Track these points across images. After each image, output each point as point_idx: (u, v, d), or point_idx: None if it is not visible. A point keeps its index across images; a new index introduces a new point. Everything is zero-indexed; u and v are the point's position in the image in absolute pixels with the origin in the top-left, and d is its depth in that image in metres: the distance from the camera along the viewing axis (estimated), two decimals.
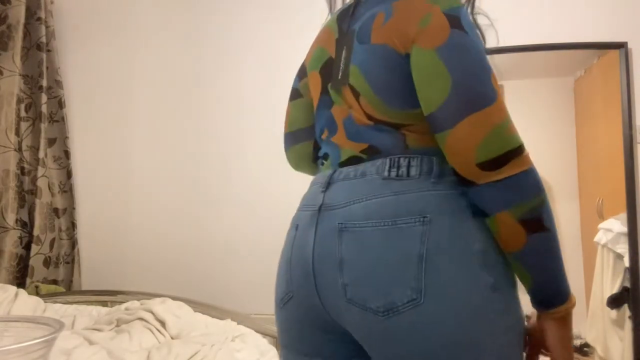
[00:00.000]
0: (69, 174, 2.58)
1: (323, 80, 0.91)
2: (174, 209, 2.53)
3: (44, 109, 2.48)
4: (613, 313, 2.12)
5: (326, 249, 0.79)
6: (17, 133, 2.47)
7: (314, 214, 0.83)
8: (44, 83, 2.49)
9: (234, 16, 2.53)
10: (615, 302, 2.11)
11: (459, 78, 0.73)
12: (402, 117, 0.80)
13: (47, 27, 2.53)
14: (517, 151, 0.72)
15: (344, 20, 0.90)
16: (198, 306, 2.00)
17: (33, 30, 2.53)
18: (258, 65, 2.49)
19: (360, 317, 0.74)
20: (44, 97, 2.49)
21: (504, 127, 0.72)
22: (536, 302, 0.78)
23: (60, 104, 2.57)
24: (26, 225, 2.46)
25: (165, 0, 2.62)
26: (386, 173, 0.78)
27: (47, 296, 2.23)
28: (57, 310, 2.02)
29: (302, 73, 1.05)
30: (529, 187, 0.73)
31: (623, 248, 2.09)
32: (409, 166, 0.77)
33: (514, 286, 0.77)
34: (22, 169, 2.48)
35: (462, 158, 0.73)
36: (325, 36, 0.94)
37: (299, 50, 2.57)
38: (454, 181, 0.76)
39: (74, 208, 2.58)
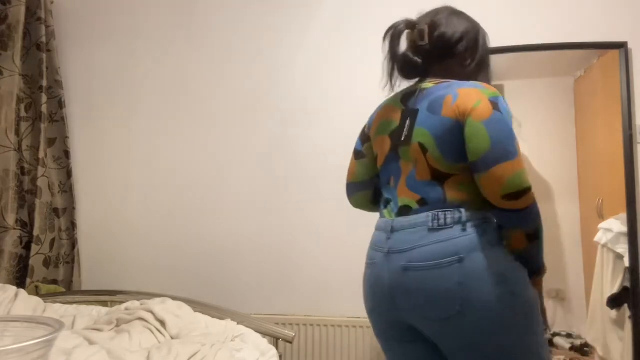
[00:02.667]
0: (69, 174, 2.58)
1: (392, 142, 1.30)
2: (173, 209, 2.53)
3: (44, 109, 2.48)
4: (613, 313, 2.12)
5: (397, 281, 1.18)
6: (17, 133, 2.47)
7: (386, 255, 1.22)
8: (44, 83, 2.49)
9: (234, 16, 2.53)
10: (615, 302, 2.11)
11: (495, 140, 1.13)
12: (452, 169, 1.19)
13: (47, 27, 2.53)
14: (528, 190, 1.11)
15: (408, 100, 1.30)
16: (198, 306, 2.00)
17: (33, 30, 2.53)
18: (258, 65, 2.49)
19: (426, 323, 1.17)
20: (44, 97, 2.49)
21: (521, 174, 1.11)
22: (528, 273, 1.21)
23: (60, 104, 2.57)
24: (26, 225, 2.46)
25: (165, 0, 2.62)
26: (430, 224, 1.16)
27: (47, 296, 2.23)
28: (57, 310, 2.02)
29: (365, 139, 1.43)
30: (534, 215, 1.14)
31: (623, 248, 2.09)
32: (445, 218, 1.16)
33: (524, 287, 1.15)
34: (22, 169, 2.48)
35: (493, 191, 1.13)
36: (390, 111, 1.35)
37: (300, 50, 2.60)
38: (476, 224, 1.15)
39: (74, 208, 2.58)
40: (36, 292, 2.30)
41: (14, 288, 1.99)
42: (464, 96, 1.18)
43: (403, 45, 1.37)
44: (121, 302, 2.04)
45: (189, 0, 2.59)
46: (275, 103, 2.47)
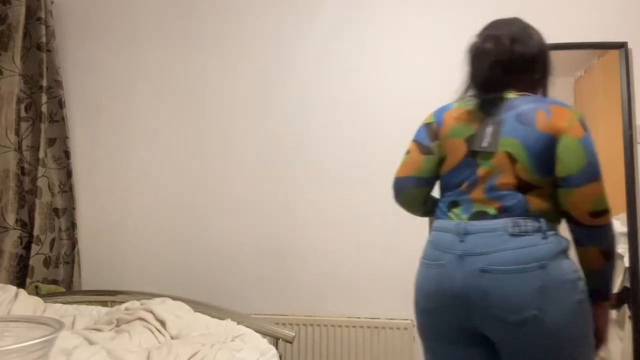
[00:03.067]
0: (69, 174, 2.58)
1: (468, 147, 1.31)
2: (174, 209, 2.53)
3: (44, 109, 2.48)
4: (613, 313, 2.12)
5: (473, 283, 1.20)
6: (17, 133, 2.47)
7: (459, 257, 1.23)
8: (44, 83, 2.49)
9: (235, 16, 2.53)
10: (615, 302, 2.11)
11: (590, 159, 1.21)
12: (538, 181, 1.24)
13: (47, 27, 2.53)
14: (608, 210, 1.22)
15: (489, 108, 1.32)
16: (198, 306, 2.00)
17: (33, 30, 2.53)
18: (259, 65, 2.49)
19: (499, 326, 1.19)
20: (44, 97, 2.49)
21: (605, 195, 1.21)
22: (596, 296, 1.25)
23: (60, 104, 2.57)
24: (26, 225, 2.46)
25: (165, 0, 2.62)
26: (511, 230, 1.20)
27: (47, 296, 2.23)
28: (57, 310, 2.02)
29: (434, 137, 1.41)
30: (611, 233, 1.23)
31: (623, 248, 2.09)
32: (526, 225, 1.20)
33: (587, 299, 1.21)
34: (22, 169, 2.48)
35: (580, 207, 1.21)
36: (466, 116, 1.35)
37: (300, 50, 2.60)
38: (553, 234, 1.21)
39: (74, 208, 2.58)
40: (36, 292, 2.30)
41: (14, 288, 1.99)
42: (558, 113, 1.24)
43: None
44: (121, 302, 2.04)
45: (189, 0, 2.59)
46: (275, 103, 2.47)
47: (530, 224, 1.20)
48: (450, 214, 1.32)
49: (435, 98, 2.30)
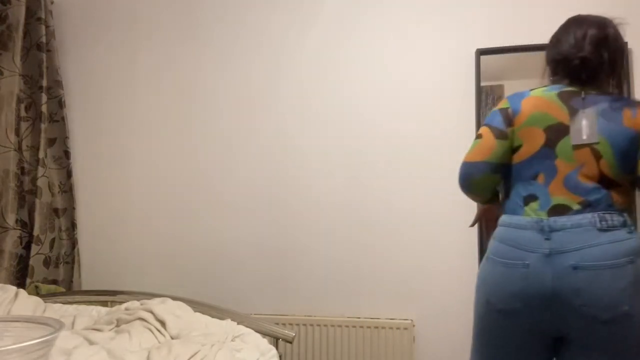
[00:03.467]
0: (69, 174, 2.58)
1: (547, 137, 1.30)
2: (174, 209, 2.53)
3: (44, 109, 2.49)
4: None
5: (565, 281, 1.18)
6: (17, 133, 2.47)
7: (546, 256, 1.21)
8: (44, 83, 2.49)
9: (235, 15, 2.53)
10: None
11: None
12: (621, 178, 1.25)
13: (47, 27, 2.53)
14: None
15: (570, 100, 1.31)
16: (198, 306, 2.00)
17: (33, 30, 2.53)
18: (259, 64, 2.49)
19: (588, 325, 1.17)
20: (44, 97, 2.49)
21: None
22: None
23: (60, 104, 2.57)
24: (26, 225, 2.46)
25: (165, 0, 2.62)
26: (598, 225, 1.19)
27: (47, 296, 2.22)
28: (57, 310, 2.01)
29: (510, 122, 1.36)
30: None
31: None
32: (612, 220, 1.20)
33: None
34: (22, 169, 2.48)
35: None
36: (547, 105, 1.32)
37: (301, 49, 2.60)
38: (633, 230, 1.20)
39: (74, 208, 2.58)
40: (36, 292, 2.30)
41: (14, 288, 1.99)
42: None
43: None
44: (121, 302, 2.04)
45: (189, 0, 2.59)
46: (275, 102, 2.47)
47: (616, 218, 1.20)
48: (527, 208, 1.29)
49: (435, 98, 2.31)
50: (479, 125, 2.21)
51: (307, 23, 2.46)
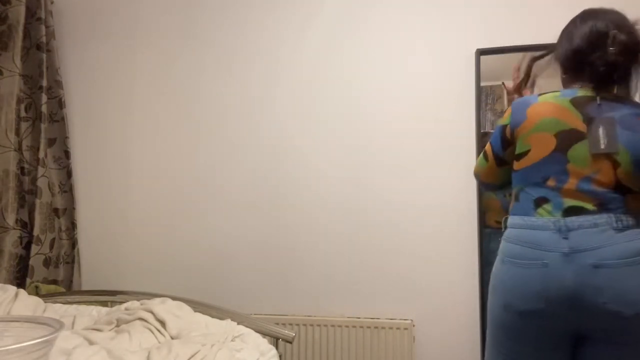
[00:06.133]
0: (69, 174, 2.58)
1: (558, 142, 1.30)
2: (174, 209, 2.53)
3: (44, 109, 2.49)
4: None
5: (586, 280, 1.19)
6: (17, 133, 2.47)
7: (566, 255, 1.22)
8: (44, 83, 2.49)
9: (235, 16, 2.53)
10: None
11: None
12: (637, 185, 1.25)
13: (47, 27, 2.53)
14: None
15: (584, 107, 1.31)
16: (198, 306, 2.00)
17: (33, 30, 2.53)
18: (260, 64, 2.49)
19: (612, 320, 1.18)
20: (44, 97, 2.49)
21: None
22: None
23: (60, 104, 2.57)
24: (26, 225, 2.46)
25: (165, 0, 2.62)
26: (615, 224, 1.21)
27: (47, 296, 2.22)
28: (57, 310, 2.01)
29: (507, 145, 1.43)
30: None
31: None
32: (628, 220, 1.22)
33: None
34: (22, 169, 2.48)
35: None
36: (558, 111, 1.32)
37: (302, 49, 2.59)
38: None
39: (74, 208, 2.58)
40: (36, 292, 2.30)
41: (14, 288, 1.99)
42: None
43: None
44: (121, 302, 2.04)
45: (189, 0, 2.59)
46: (276, 102, 2.47)
47: (631, 219, 1.22)
48: (540, 210, 1.30)
49: (436, 98, 2.31)
50: (479, 125, 2.21)
51: (307, 23, 2.46)
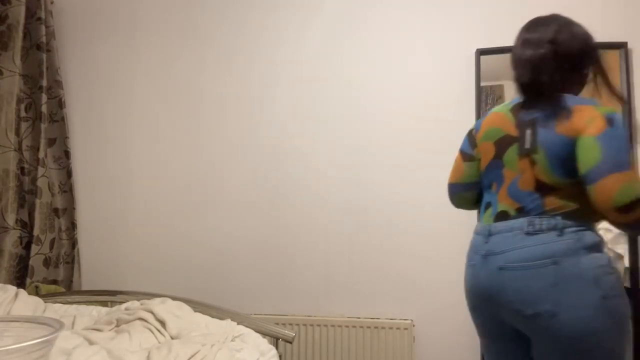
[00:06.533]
0: (69, 174, 2.58)
1: (496, 149, 1.39)
2: (173, 209, 2.53)
3: (44, 109, 2.49)
4: None
5: (494, 280, 1.29)
6: (17, 133, 2.47)
7: (483, 257, 1.33)
8: (44, 83, 2.49)
9: (235, 16, 2.53)
10: None
11: (606, 153, 1.17)
12: (557, 182, 1.27)
13: (47, 27, 2.53)
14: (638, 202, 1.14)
15: (519, 112, 1.36)
16: (198, 306, 2.00)
17: (33, 30, 2.53)
18: (260, 64, 2.49)
19: (521, 319, 1.26)
20: (44, 97, 2.49)
21: (631, 185, 1.14)
22: None
23: (60, 104, 2.57)
24: (26, 225, 2.46)
25: (164, 0, 2.62)
26: (526, 229, 1.26)
27: (47, 296, 2.22)
28: (57, 310, 2.01)
29: (473, 144, 1.50)
30: None
31: (623, 248, 2.09)
32: (541, 224, 1.25)
33: (616, 294, 1.19)
34: (22, 169, 2.48)
35: (603, 205, 1.16)
36: (499, 119, 1.41)
37: (302, 49, 2.59)
38: (574, 231, 1.22)
39: (74, 208, 2.58)
40: (36, 292, 2.30)
41: (14, 288, 1.99)
42: (579, 113, 1.25)
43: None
44: (121, 302, 2.04)
45: (189, 0, 2.59)
46: (276, 102, 2.47)
47: (545, 222, 1.25)
48: (484, 215, 1.42)
49: (436, 98, 2.31)
50: None
51: (307, 23, 2.46)
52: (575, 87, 1.38)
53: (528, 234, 1.25)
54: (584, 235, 1.22)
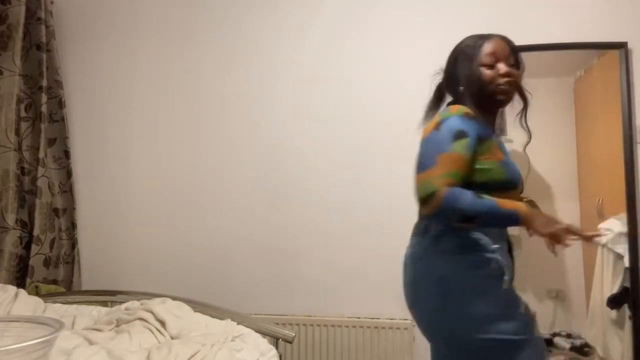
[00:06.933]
0: (69, 174, 2.58)
1: None
2: (173, 209, 2.53)
3: (44, 109, 2.48)
4: (613, 313, 2.12)
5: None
6: (17, 133, 2.47)
7: None
8: (44, 83, 2.49)
9: (235, 16, 2.53)
10: (615, 302, 2.11)
11: (420, 154, 1.37)
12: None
13: (47, 27, 2.53)
14: (432, 195, 1.25)
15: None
16: (198, 306, 2.00)
17: (33, 30, 2.53)
18: (259, 65, 2.49)
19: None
20: (44, 97, 2.49)
21: (425, 181, 1.30)
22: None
23: (60, 104, 2.56)
24: (26, 225, 2.46)
25: (164, 0, 2.62)
26: (414, 232, 1.44)
27: (47, 296, 2.22)
28: (57, 310, 2.01)
29: None
30: (449, 214, 1.25)
31: (623, 248, 2.09)
32: (417, 227, 1.43)
33: (466, 293, 1.28)
34: (22, 169, 2.48)
35: (416, 197, 1.32)
36: None
37: (301, 49, 2.59)
38: (433, 234, 1.34)
39: (74, 208, 2.58)
40: (36, 292, 2.30)
41: (14, 288, 1.99)
42: (431, 122, 1.42)
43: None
44: (121, 302, 2.04)
45: (189, 0, 2.59)
46: (276, 103, 2.47)
47: (419, 225, 1.42)
48: None
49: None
50: None
51: (307, 23, 2.46)
52: (459, 101, 1.46)
53: (411, 236, 1.44)
54: (441, 237, 1.32)
